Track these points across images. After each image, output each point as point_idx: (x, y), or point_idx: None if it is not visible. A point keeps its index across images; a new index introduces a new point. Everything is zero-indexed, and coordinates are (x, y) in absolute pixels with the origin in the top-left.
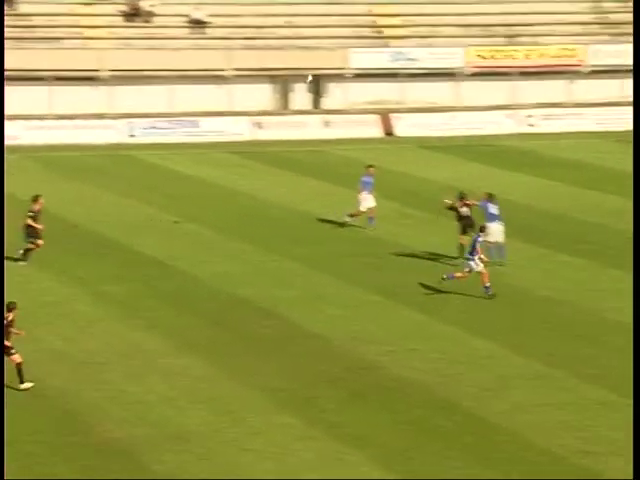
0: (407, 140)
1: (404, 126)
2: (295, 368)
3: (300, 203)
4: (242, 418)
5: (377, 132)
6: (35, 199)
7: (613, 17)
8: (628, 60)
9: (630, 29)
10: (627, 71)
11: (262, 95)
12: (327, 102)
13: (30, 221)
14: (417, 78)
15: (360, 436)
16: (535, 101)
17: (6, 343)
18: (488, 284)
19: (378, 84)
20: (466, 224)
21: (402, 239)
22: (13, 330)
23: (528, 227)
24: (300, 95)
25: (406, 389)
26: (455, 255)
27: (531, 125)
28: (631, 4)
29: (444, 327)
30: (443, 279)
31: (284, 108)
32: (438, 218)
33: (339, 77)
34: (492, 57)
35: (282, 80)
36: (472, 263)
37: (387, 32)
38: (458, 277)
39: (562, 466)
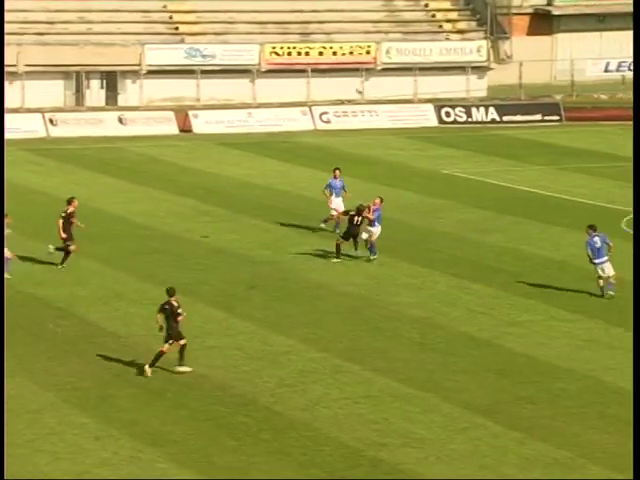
0: (204, 137)
1: (201, 123)
2: (92, 367)
3: (96, 201)
4: (38, 419)
5: (173, 129)
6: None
7: (405, 15)
8: (420, 58)
9: (421, 27)
10: (419, 69)
11: (56, 92)
12: (122, 99)
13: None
14: (213, 75)
15: (157, 434)
16: (329, 98)
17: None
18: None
19: (174, 81)
20: (352, 233)
21: (199, 236)
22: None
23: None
24: (95, 92)
25: (204, 386)
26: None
27: (326, 122)
28: (421, 3)
29: (243, 323)
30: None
31: (79, 105)
32: (235, 215)
33: (134, 73)
34: (287, 54)
35: (76, 76)
36: (607, 265)
37: (182, 28)
38: (602, 285)
39: (359, 459)
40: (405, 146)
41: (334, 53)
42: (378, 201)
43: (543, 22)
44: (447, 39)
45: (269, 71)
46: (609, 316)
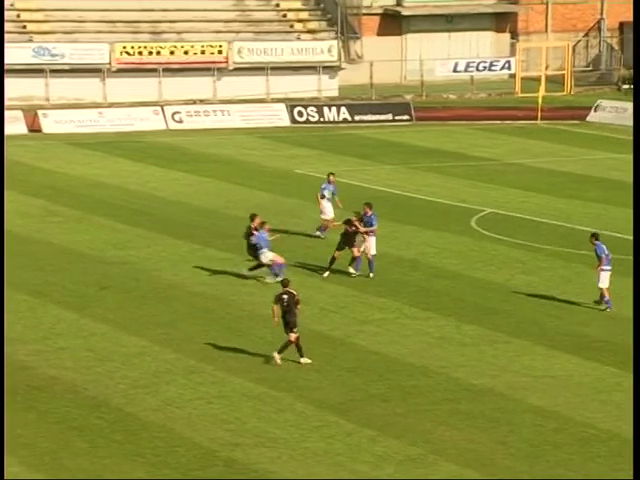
0: (54, 137)
1: (50, 122)
2: None
3: None
4: None
5: (22, 128)
6: (253, 217)
7: (256, 15)
8: (271, 57)
9: (272, 27)
10: (271, 68)
11: None
12: None
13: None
14: (63, 74)
15: (7, 438)
16: (182, 97)
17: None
18: (607, 298)
19: (22, 80)
20: (349, 241)
21: (49, 237)
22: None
23: (178, 223)
24: None
25: (55, 388)
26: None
27: (178, 121)
28: (272, 3)
29: (95, 324)
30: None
31: None
32: (85, 216)
33: None
34: (138, 53)
35: None
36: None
37: (30, 27)
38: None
39: (213, 459)
40: (258, 146)
41: (185, 52)
42: (368, 210)
43: (393, 22)
44: (298, 39)
45: (120, 70)
46: (460, 314)
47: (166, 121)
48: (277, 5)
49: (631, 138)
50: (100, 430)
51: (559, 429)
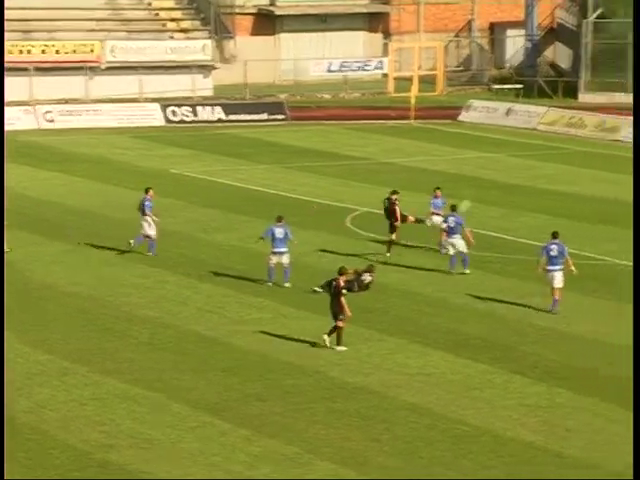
0: None
1: None
2: None
3: None
4: None
5: None
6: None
7: (128, 14)
8: (144, 57)
9: (144, 26)
10: (144, 67)
11: None
12: None
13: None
14: None
15: None
16: (53, 97)
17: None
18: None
19: None
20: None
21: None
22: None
23: (51, 223)
24: None
25: None
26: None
27: (50, 121)
28: (145, 2)
29: None
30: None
31: None
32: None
33: None
34: (9, 52)
35: None
36: (558, 275)
37: None
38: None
39: (87, 461)
40: (131, 145)
41: (57, 52)
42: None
43: (266, 22)
44: (171, 38)
45: None
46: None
47: (37, 121)
48: (149, 4)
49: (503, 137)
50: None
51: (432, 426)
